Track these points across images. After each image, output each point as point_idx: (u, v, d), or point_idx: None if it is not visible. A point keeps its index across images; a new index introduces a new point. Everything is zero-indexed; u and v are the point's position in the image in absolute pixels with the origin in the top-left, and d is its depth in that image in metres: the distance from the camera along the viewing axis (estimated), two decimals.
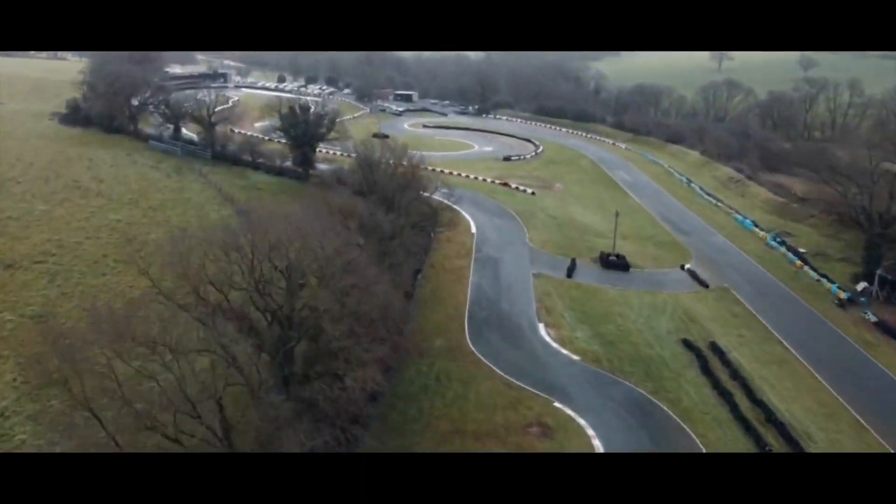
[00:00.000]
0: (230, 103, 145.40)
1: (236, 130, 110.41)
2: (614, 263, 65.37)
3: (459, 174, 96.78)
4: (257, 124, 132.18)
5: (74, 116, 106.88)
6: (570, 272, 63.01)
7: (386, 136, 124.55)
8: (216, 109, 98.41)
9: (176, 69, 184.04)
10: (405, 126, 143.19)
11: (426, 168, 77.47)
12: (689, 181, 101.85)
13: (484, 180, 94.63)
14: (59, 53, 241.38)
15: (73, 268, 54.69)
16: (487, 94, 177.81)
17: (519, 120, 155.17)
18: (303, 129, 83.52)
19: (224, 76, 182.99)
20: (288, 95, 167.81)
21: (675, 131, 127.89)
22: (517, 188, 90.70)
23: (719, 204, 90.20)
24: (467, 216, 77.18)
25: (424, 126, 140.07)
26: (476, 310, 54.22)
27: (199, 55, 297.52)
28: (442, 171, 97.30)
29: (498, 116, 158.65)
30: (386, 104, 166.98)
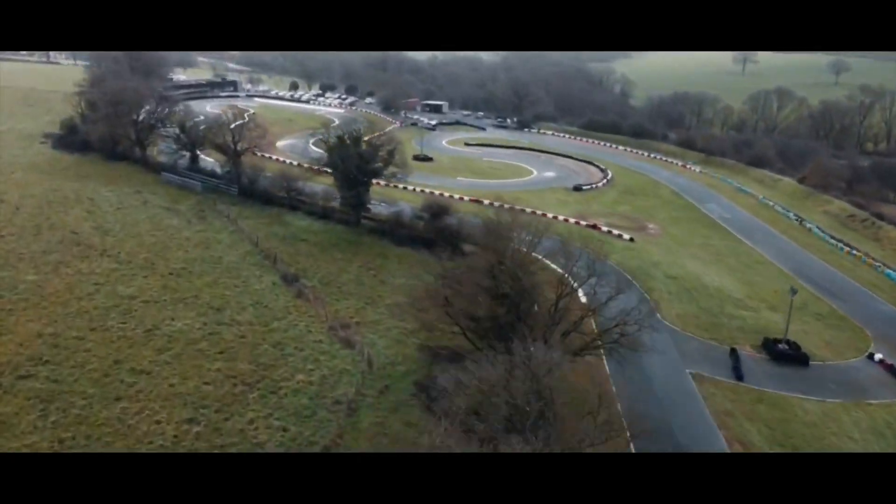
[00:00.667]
0: (245, 117, 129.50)
1: (263, 154, 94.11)
2: (787, 355, 49.63)
3: (534, 211, 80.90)
4: (279, 143, 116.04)
5: (71, 139, 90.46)
6: (738, 371, 47.24)
7: (429, 159, 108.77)
8: (235, 127, 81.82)
9: (180, 76, 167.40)
10: (443, 143, 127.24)
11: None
12: (800, 219, 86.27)
13: (565, 220, 78.77)
14: (53, 56, 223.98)
15: (74, 386, 38.55)
16: (524, 104, 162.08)
17: (566, 136, 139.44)
18: (356, 164, 67.38)
19: (234, 84, 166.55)
20: (306, 107, 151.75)
21: (758, 153, 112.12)
22: (609, 232, 74.90)
23: (854, 252, 74.60)
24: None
25: (466, 144, 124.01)
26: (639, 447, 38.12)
27: (201, 57, 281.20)
28: (511, 209, 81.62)
29: (542, 131, 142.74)
30: (415, 116, 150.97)
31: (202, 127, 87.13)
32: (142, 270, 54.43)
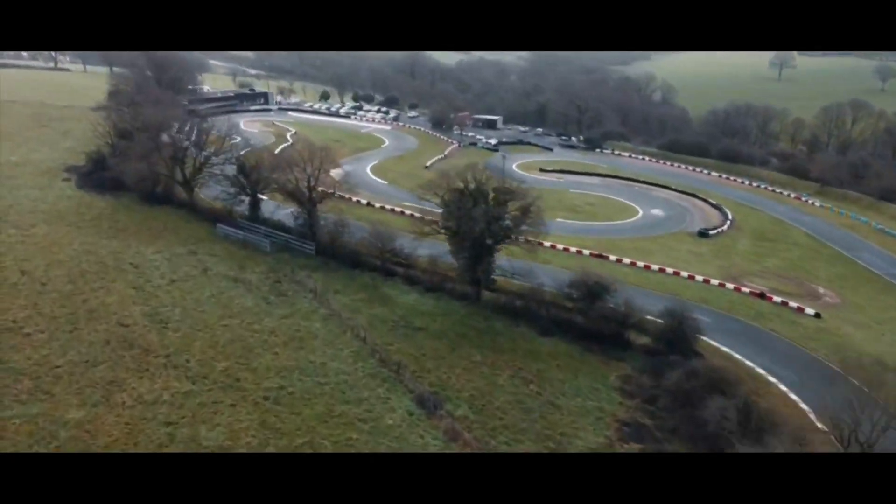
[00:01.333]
0: (288, 138, 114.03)
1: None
2: None
3: (662, 269, 65.80)
4: (334, 172, 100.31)
5: (99, 177, 74.88)
6: None
7: (512, 193, 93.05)
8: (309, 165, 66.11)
9: (205, 87, 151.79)
10: (513, 168, 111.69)
11: None
12: None
13: (717, 284, 63.46)
14: (60, 62, 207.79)
15: None
16: (584, 119, 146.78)
17: (645, 158, 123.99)
18: (483, 226, 51.70)
19: (264, 96, 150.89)
20: (347, 122, 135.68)
21: (886, 184, 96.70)
22: (784, 303, 59.46)
23: None
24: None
25: (542, 170, 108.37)
26: None
27: (214, 60, 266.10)
28: (632, 264, 66.60)
29: (616, 152, 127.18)
30: (470, 133, 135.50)
31: (244, 151, 71.45)
32: (225, 393, 38.97)
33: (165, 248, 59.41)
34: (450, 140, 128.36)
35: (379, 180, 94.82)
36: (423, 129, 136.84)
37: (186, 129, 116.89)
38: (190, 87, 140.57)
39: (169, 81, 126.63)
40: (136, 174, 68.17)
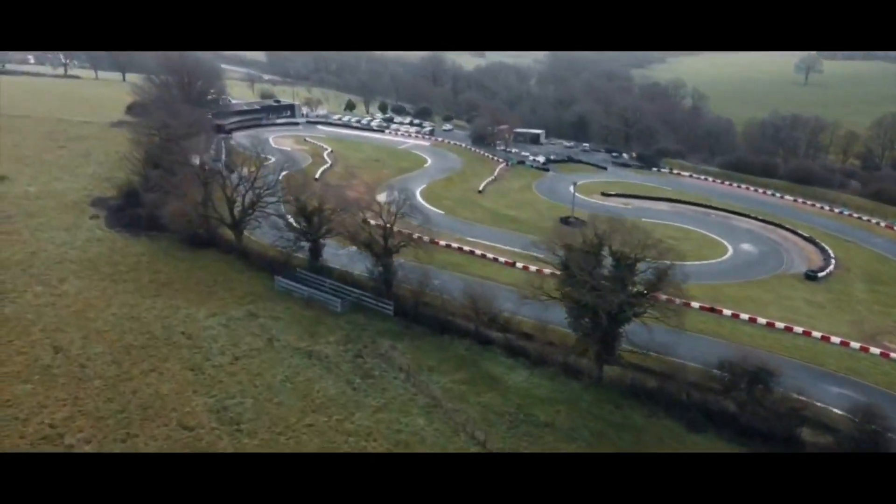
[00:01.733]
0: (326, 158, 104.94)
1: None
2: None
3: (788, 328, 56.82)
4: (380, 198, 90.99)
5: (132, 213, 65.95)
6: None
7: (581, 223, 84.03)
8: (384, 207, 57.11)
9: (228, 98, 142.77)
10: (570, 191, 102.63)
11: None
12: None
13: (846, 345, 54.44)
14: (69, 67, 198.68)
15: None
16: (633, 132, 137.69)
17: (707, 178, 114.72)
18: (622, 300, 42.30)
19: (291, 108, 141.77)
20: (381, 137, 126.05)
21: None
22: None
23: None
24: None
25: (605, 195, 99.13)
26: None
27: (224, 65, 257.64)
28: (751, 320, 57.50)
29: (675, 172, 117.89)
30: (513, 149, 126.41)
31: (282, 173, 62.34)
32: None
33: (220, 309, 50.39)
34: (495, 158, 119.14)
35: (434, 209, 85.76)
36: (462, 144, 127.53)
37: (213, 148, 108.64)
38: (214, 96, 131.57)
39: (196, 94, 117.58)
40: (177, 215, 59.09)
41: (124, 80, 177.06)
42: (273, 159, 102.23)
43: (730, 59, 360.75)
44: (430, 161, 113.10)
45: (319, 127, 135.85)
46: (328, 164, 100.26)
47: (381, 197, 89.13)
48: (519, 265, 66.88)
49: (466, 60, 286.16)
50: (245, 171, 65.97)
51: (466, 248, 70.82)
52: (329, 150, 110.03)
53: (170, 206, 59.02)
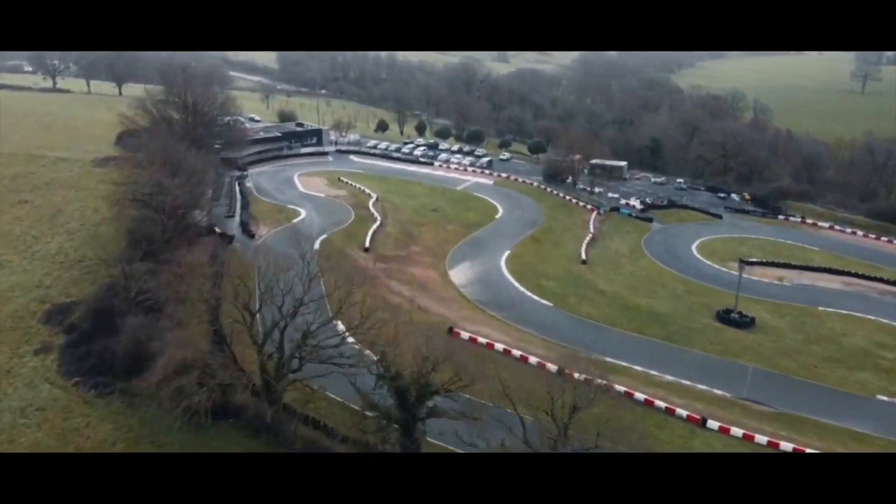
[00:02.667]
0: (371, 209, 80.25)
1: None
2: None
3: None
4: (454, 274, 65.64)
5: (100, 354, 41.37)
6: None
7: (749, 322, 58.92)
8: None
9: (244, 120, 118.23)
10: (694, 253, 77.86)
11: None
12: None
13: None
14: (60, 76, 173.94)
15: None
16: (730, 164, 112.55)
17: (853, 230, 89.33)
18: None
19: (317, 134, 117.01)
20: (430, 172, 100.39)
21: None
22: None
23: None
24: None
25: (744, 262, 72.54)
26: None
27: (234, 72, 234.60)
28: None
29: (811, 221, 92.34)
30: (595, 187, 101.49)
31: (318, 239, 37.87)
32: None
33: None
34: (580, 202, 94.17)
35: (534, 297, 61.23)
36: (531, 181, 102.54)
37: (223, 194, 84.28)
38: (225, 118, 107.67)
39: (202, 120, 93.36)
40: (167, 379, 34.26)
41: (120, 93, 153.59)
42: (303, 214, 78.30)
43: (760, 64, 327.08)
44: (500, 209, 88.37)
45: (352, 158, 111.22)
46: (377, 222, 75.66)
47: (458, 275, 65.23)
48: (713, 424, 42.38)
49: (492, 67, 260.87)
50: (278, 275, 40.99)
51: (640, 394, 45.77)
52: (374, 197, 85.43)
53: (158, 363, 34.26)
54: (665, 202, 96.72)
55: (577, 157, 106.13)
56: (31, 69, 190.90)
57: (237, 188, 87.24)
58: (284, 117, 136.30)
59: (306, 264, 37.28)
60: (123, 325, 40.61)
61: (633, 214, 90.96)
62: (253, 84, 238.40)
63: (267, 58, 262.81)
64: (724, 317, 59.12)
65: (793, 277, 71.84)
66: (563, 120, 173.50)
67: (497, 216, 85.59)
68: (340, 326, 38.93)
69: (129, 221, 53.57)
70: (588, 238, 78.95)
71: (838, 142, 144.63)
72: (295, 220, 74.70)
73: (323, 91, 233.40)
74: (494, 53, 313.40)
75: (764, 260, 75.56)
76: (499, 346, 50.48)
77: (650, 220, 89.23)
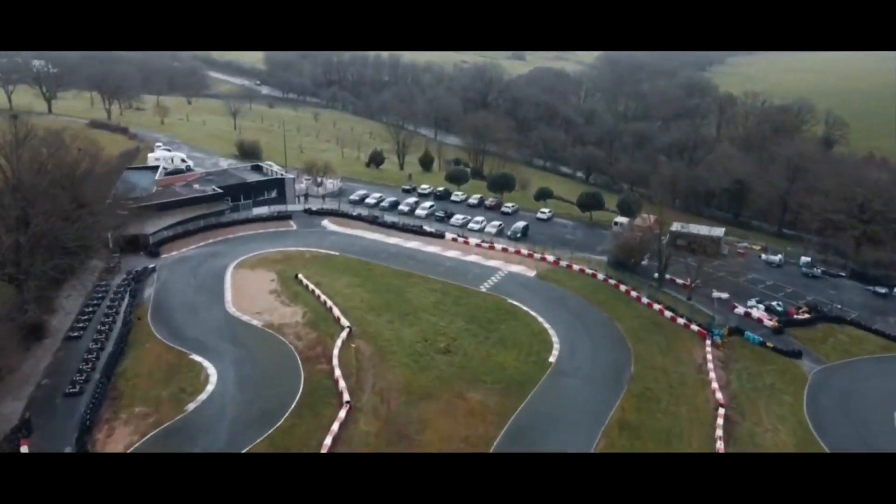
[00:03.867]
0: (335, 365, 45.23)
1: None
2: None
3: None
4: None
5: None
6: None
7: None
8: None
9: (154, 158, 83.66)
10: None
11: None
12: None
13: None
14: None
15: None
16: (872, 231, 77.40)
17: None
18: None
19: (278, 186, 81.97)
20: (432, 248, 65.21)
21: None
22: None
23: None
24: None
25: None
26: None
27: (219, 74, 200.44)
28: None
29: None
30: (695, 283, 66.45)
31: None
32: None
33: None
34: (676, 315, 59.24)
35: None
36: (587, 267, 68.08)
37: (96, 320, 49.90)
38: (127, 168, 71.62)
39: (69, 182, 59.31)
40: None
41: None
42: (210, 386, 43.64)
43: (794, 62, 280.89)
44: (556, 340, 53.47)
45: (327, 225, 76.67)
46: (345, 407, 40.97)
47: None
48: None
49: (507, 66, 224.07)
50: None
51: None
52: (346, 330, 50.74)
53: None
54: (806, 310, 61.71)
55: (653, 219, 71.55)
56: None
57: (125, 303, 53.29)
58: (244, 150, 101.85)
59: None
60: None
61: (767, 343, 56.01)
62: (237, 87, 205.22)
63: (254, 57, 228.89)
64: None
65: None
66: (604, 141, 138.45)
67: (551, 358, 50.76)
68: None
69: None
70: (720, 416, 44.25)
71: None
72: (189, 407, 40.34)
73: (316, 98, 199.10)
74: (509, 52, 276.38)
75: None
76: None
77: (797, 353, 54.50)
